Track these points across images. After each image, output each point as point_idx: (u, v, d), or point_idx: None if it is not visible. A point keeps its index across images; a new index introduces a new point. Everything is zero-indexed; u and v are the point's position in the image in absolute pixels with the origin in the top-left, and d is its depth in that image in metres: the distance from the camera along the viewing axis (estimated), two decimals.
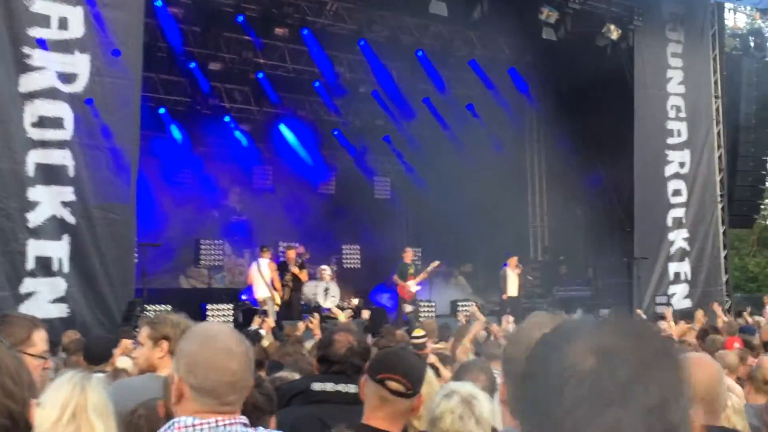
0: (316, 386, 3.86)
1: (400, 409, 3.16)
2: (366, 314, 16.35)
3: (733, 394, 4.32)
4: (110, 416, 3.07)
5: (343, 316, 9.91)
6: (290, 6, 18.54)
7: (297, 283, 17.53)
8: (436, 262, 18.95)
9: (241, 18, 18.55)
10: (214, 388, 2.41)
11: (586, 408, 1.12)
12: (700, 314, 13.33)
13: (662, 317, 14.17)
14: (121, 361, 7.00)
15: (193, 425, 2.35)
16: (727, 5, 20.89)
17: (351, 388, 3.75)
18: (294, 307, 17.23)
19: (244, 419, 2.43)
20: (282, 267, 17.47)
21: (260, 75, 20.83)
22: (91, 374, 3.24)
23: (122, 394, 3.81)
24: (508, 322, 12.36)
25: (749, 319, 13.79)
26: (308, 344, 8.46)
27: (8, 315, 3.90)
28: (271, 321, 12.68)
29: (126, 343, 8.37)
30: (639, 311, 16.06)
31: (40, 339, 3.55)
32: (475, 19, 17.92)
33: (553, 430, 1.14)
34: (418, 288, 18.32)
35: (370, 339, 10.01)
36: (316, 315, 11.07)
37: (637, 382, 1.13)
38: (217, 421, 2.36)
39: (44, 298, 11.88)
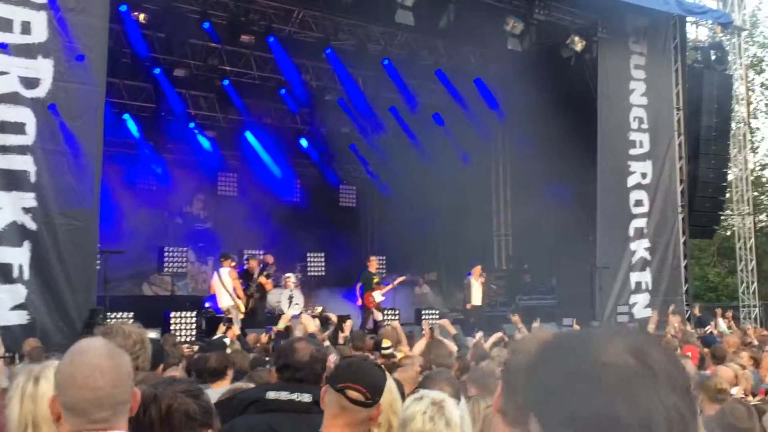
0: (271, 395, 3.89)
1: (358, 418, 3.21)
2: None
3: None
4: None
5: (313, 325, 9.85)
6: (256, 13, 18.51)
7: (262, 292, 17.49)
8: (402, 277, 19.12)
9: (206, 24, 18.47)
10: (79, 406, 2.34)
11: (648, 397, 1.29)
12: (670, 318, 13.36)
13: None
14: None
15: None
16: (689, 19, 21.18)
17: (304, 397, 3.81)
18: (259, 316, 17.21)
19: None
20: (245, 276, 17.41)
21: (226, 82, 20.75)
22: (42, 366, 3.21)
23: None
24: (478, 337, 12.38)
25: (715, 331, 13.96)
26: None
27: None
28: (236, 329, 12.62)
29: None
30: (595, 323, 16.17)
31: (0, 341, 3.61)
32: (441, 28, 18.02)
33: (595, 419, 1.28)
34: (383, 298, 18.39)
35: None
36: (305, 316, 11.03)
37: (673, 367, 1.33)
38: None
39: (4, 305, 11.73)
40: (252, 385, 5.04)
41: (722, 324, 15.74)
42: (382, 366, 3.72)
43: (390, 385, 4.26)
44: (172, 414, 2.55)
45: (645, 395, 1.29)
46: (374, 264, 18.78)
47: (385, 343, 8.85)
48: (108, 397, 2.32)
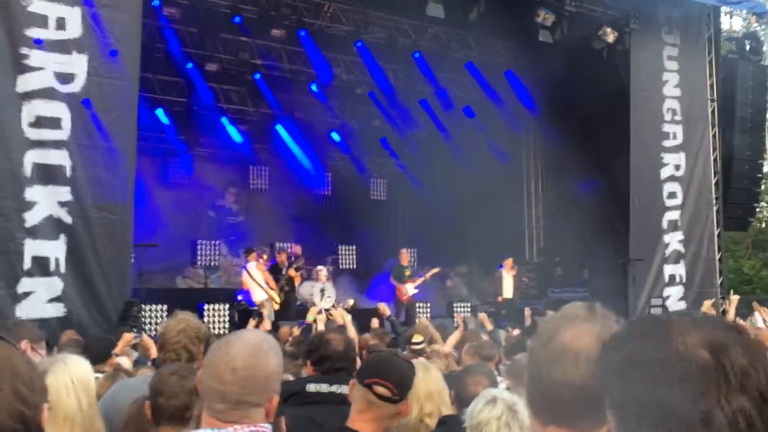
0: (311, 387, 3.92)
1: (385, 413, 3.23)
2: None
3: None
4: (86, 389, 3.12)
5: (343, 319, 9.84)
6: (287, 7, 18.56)
7: (291, 285, 17.59)
8: (437, 269, 19.11)
9: (238, 19, 18.54)
10: (206, 392, 2.45)
11: (713, 395, 1.26)
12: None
13: None
14: (121, 361, 7.06)
15: None
16: (723, 9, 20.93)
17: (345, 389, 3.83)
18: (290, 309, 17.30)
19: (267, 427, 2.43)
20: (274, 270, 17.49)
21: (257, 76, 20.85)
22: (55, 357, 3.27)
23: (122, 394, 3.90)
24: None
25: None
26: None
27: None
28: (267, 323, 12.70)
29: (128, 336, 8.48)
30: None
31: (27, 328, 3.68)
32: (471, 21, 17.96)
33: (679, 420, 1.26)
34: (416, 291, 18.38)
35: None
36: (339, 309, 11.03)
37: (752, 369, 1.29)
38: (235, 429, 2.37)
39: (41, 298, 11.89)
40: (290, 377, 5.08)
41: (758, 318, 15.52)
42: (411, 361, 3.73)
43: (436, 375, 4.32)
44: None
45: (710, 393, 1.26)
46: (405, 256, 18.79)
47: (417, 338, 8.80)
48: (232, 394, 2.39)
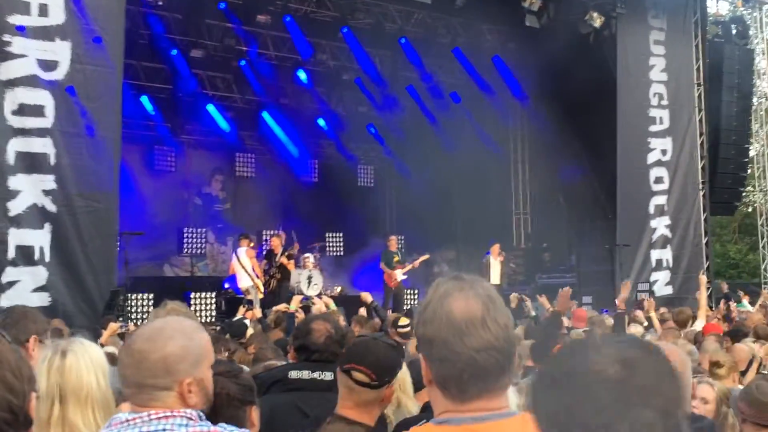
0: (293, 374, 3.90)
1: (366, 399, 3.18)
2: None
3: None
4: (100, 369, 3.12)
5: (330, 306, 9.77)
6: None
7: (284, 273, 17.52)
8: (426, 255, 19.09)
9: (223, 5, 18.44)
10: (120, 378, 2.49)
11: (617, 408, 1.36)
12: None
13: (641, 306, 14.20)
14: (108, 348, 7.01)
15: (127, 420, 2.35)
16: None
17: (327, 376, 3.80)
18: (282, 297, 17.19)
19: (191, 413, 2.36)
20: (268, 256, 17.41)
21: (242, 62, 20.73)
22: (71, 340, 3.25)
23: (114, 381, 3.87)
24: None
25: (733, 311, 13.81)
26: None
27: None
28: (257, 311, 12.65)
29: (114, 326, 8.45)
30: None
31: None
32: (458, 6, 17.90)
33: (582, 428, 1.36)
34: (405, 277, 18.36)
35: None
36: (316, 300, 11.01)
37: (655, 389, 1.39)
38: (149, 415, 2.33)
39: (26, 287, 11.83)
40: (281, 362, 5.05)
41: (747, 303, 15.60)
42: (395, 344, 3.66)
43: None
44: (215, 397, 2.57)
45: (614, 405, 1.35)
46: (394, 242, 18.77)
47: (403, 321, 8.67)
48: (131, 376, 2.40)
